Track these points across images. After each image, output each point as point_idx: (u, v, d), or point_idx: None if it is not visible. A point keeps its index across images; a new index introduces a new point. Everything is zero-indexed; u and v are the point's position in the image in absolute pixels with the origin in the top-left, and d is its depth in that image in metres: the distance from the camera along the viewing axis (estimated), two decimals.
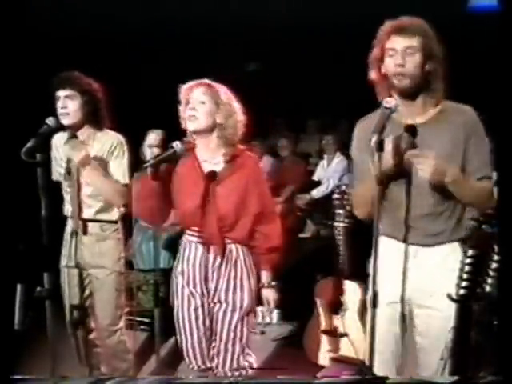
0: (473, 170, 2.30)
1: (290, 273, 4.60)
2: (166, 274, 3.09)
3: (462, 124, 2.29)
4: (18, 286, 2.44)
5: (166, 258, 4.26)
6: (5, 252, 2.42)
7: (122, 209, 3.17)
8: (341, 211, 3.85)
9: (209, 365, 2.81)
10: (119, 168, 3.13)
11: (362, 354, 3.21)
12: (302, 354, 3.99)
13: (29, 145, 2.63)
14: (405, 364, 2.43)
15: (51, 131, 2.84)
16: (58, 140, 3.20)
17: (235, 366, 2.77)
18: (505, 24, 2.02)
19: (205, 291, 2.78)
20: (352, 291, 3.81)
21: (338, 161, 5.92)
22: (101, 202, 3.16)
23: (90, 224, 3.17)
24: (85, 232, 3.15)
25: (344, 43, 5.95)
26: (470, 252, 2.01)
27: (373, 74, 2.35)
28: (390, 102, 2.22)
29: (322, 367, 3.81)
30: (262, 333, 4.48)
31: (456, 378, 2.05)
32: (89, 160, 3.04)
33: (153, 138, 4.40)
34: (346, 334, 3.80)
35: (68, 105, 3.03)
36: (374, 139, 2.10)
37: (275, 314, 4.68)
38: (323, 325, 3.93)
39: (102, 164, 3.10)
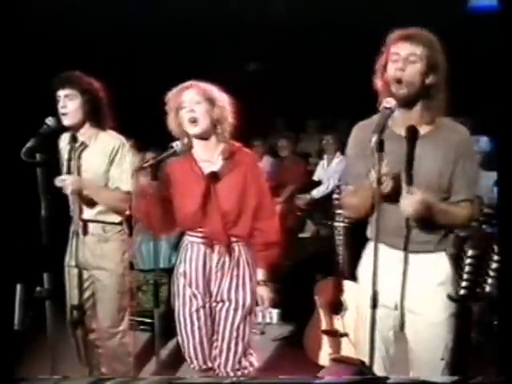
0: (456, 191, 2.31)
1: (290, 273, 4.61)
2: (166, 274, 3.08)
3: (456, 144, 2.28)
4: (18, 286, 2.43)
5: (165, 258, 4.26)
6: (5, 252, 2.42)
7: (128, 212, 3.15)
8: (341, 211, 3.85)
9: (210, 365, 2.81)
10: (121, 174, 3.09)
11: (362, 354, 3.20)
12: (302, 353, 3.99)
13: (29, 145, 2.63)
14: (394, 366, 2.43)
15: (51, 131, 2.84)
16: (63, 141, 3.19)
17: (237, 365, 2.77)
18: (505, 24, 2.02)
19: (207, 291, 2.78)
20: (352, 291, 3.81)
21: (338, 161, 5.90)
22: None
23: (91, 225, 3.13)
24: (85, 232, 3.13)
25: (344, 43, 5.97)
26: (470, 252, 2.01)
27: (377, 81, 2.32)
28: (390, 101, 2.20)
29: (322, 367, 3.80)
30: (262, 333, 4.47)
31: (456, 377, 2.05)
32: (80, 184, 3.03)
33: None
34: (346, 334, 3.81)
35: (68, 104, 3.01)
36: (374, 139, 2.08)
37: (275, 313, 4.68)
38: (323, 325, 3.93)
39: (102, 167, 3.08)
